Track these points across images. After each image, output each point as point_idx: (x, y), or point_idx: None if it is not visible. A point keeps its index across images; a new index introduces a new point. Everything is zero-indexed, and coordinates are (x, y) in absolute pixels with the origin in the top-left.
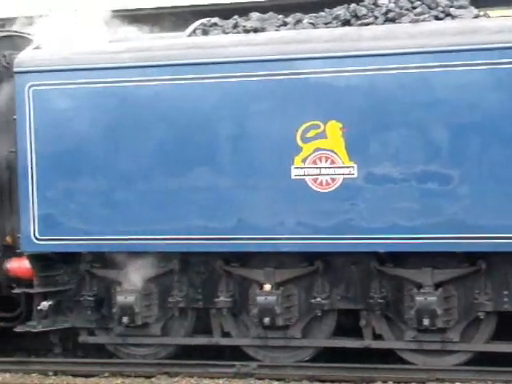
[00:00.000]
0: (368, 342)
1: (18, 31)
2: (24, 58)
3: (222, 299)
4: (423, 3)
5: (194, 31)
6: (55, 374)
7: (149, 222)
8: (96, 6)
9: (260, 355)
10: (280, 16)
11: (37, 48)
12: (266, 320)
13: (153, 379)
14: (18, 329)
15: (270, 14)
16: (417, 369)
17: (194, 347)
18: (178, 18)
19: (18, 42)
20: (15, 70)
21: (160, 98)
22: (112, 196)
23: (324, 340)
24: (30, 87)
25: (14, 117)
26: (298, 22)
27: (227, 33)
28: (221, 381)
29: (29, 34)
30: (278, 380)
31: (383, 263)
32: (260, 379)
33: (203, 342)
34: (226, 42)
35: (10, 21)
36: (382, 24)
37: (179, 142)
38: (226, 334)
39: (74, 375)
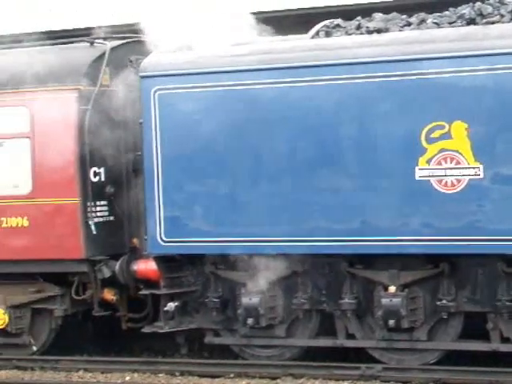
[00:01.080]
0: (496, 345)
1: (141, 36)
2: (149, 63)
3: (347, 301)
4: None
5: (317, 33)
6: (182, 374)
7: (273, 224)
8: (216, 9)
9: (385, 358)
10: (403, 16)
11: (162, 52)
12: (391, 322)
13: (278, 381)
14: (146, 329)
15: (394, 14)
16: None
17: (319, 349)
18: (299, 20)
19: (142, 47)
20: (141, 74)
21: (283, 100)
22: (237, 198)
23: (450, 343)
24: (155, 91)
25: (140, 120)
26: (422, 21)
27: (350, 34)
28: (346, 383)
29: (151, 39)
30: (403, 383)
31: (511, 265)
32: (385, 382)
33: (328, 344)
34: (349, 44)
35: (128, 26)
36: (509, 22)
37: (303, 144)
38: (350, 336)
39: (200, 376)
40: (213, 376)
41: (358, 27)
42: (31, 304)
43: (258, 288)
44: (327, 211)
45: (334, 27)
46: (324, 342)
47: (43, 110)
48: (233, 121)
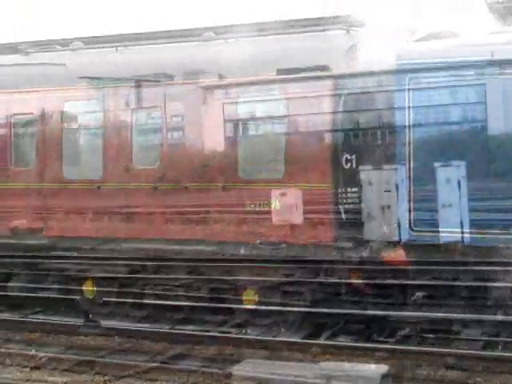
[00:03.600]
0: None
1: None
2: (404, 51)
3: None
4: None
5: None
6: None
7: None
8: None
9: None
10: None
11: (416, 40)
12: None
13: None
14: None
15: None
16: None
17: None
18: None
19: (395, 34)
20: (396, 62)
21: None
22: None
23: None
24: (410, 79)
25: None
26: None
27: None
28: None
29: (405, 27)
30: None
31: None
32: None
33: None
34: None
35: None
36: None
37: None
38: None
39: None
40: None
41: None
42: None
43: None
44: None
45: None
46: None
47: (298, 95)
48: (494, 111)
